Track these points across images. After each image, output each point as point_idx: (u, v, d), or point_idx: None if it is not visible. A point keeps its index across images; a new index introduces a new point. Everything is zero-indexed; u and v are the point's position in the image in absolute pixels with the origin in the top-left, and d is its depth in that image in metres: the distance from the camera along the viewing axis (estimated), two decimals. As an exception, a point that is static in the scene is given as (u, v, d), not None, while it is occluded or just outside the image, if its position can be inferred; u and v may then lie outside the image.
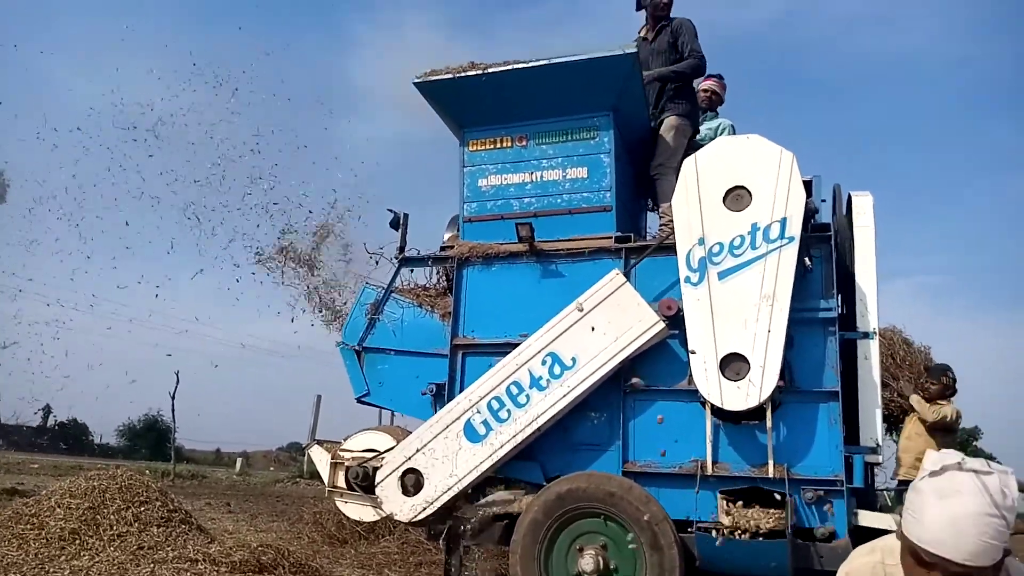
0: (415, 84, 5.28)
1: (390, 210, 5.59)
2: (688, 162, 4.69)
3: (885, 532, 4.25)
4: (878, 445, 4.51)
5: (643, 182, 5.62)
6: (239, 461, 27.39)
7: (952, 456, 1.64)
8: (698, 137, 5.71)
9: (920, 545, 1.61)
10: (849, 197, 4.91)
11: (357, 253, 5.76)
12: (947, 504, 1.57)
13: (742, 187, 4.52)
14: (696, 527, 4.20)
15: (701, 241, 4.52)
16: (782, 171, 4.45)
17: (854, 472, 4.26)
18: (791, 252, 4.35)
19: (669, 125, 5.44)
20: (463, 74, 5.15)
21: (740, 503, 4.25)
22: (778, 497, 4.22)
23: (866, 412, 4.57)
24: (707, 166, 4.62)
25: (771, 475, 4.30)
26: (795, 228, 4.36)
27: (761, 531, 4.08)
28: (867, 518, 4.27)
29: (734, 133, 5.93)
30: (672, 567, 4.10)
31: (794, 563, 4.08)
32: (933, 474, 1.63)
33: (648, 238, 5.35)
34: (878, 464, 4.65)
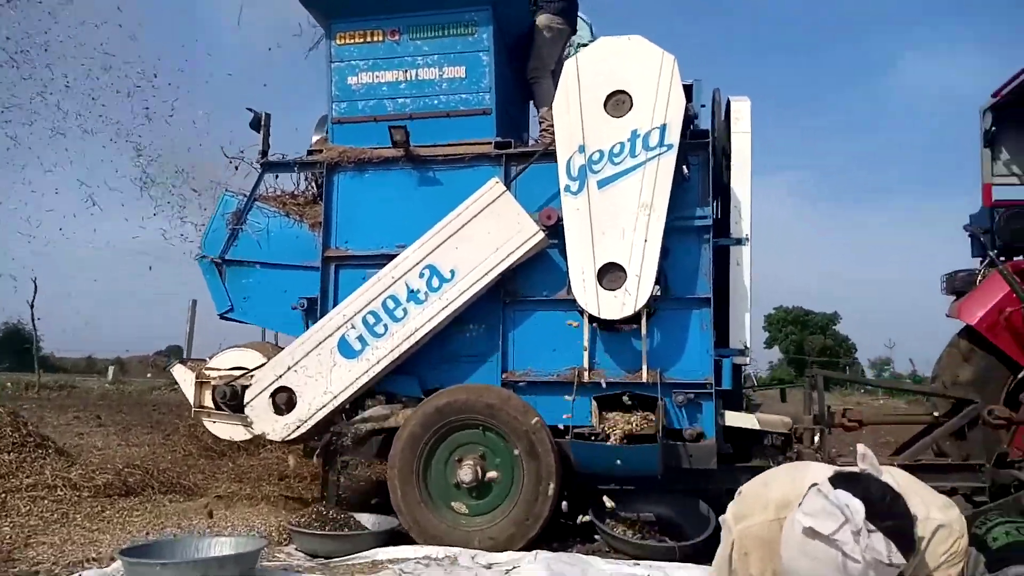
0: (273, -31, 4.75)
1: (249, 109, 5.11)
2: (569, 64, 4.49)
3: (749, 431, 4.52)
4: (746, 347, 4.69)
5: (527, 84, 5.38)
6: (111, 369, 26.08)
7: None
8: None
9: None
10: (728, 102, 4.88)
11: (215, 157, 5.28)
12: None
13: (623, 92, 4.38)
14: (572, 432, 4.25)
15: (581, 149, 4.39)
16: (663, 75, 4.33)
17: (723, 375, 4.41)
18: (669, 160, 4.29)
19: (541, 24, 5.17)
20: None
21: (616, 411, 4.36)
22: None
23: (736, 316, 4.71)
24: (588, 69, 4.44)
25: (645, 380, 4.40)
26: (674, 135, 4.30)
27: (633, 434, 4.19)
28: (733, 418, 4.47)
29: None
30: (549, 473, 4.18)
31: (664, 463, 4.24)
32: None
33: (531, 144, 5.16)
34: (746, 365, 4.86)
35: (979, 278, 5.30)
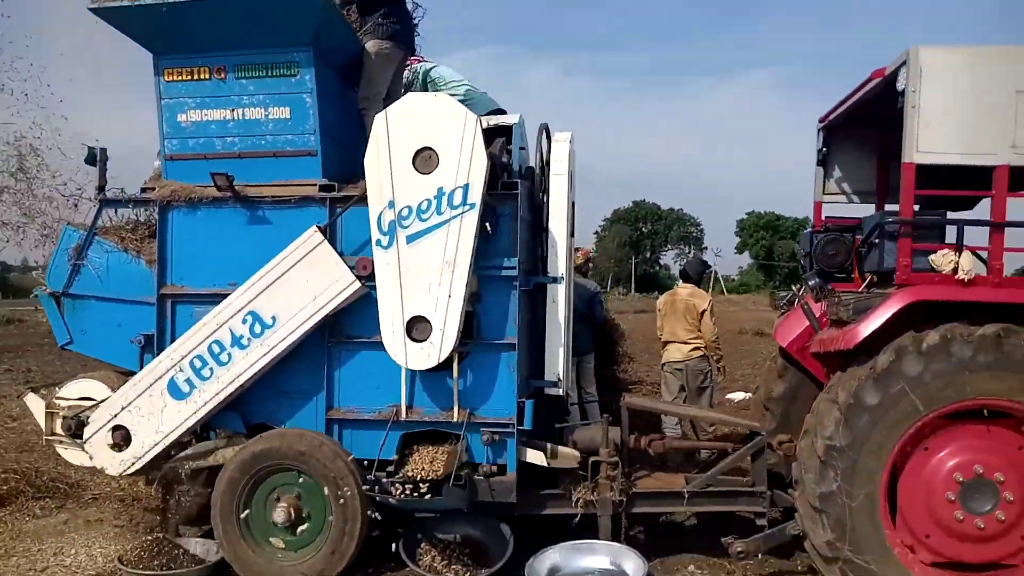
0: (91, 10, 4.72)
1: (85, 144, 5.17)
2: (379, 119, 4.58)
3: (543, 468, 4.90)
4: (559, 379, 5.04)
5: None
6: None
7: None
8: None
9: None
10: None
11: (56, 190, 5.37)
12: None
13: (430, 148, 4.51)
14: (377, 481, 4.59)
15: (391, 204, 4.55)
16: (466, 136, 4.45)
17: (524, 416, 4.74)
18: (472, 219, 4.48)
19: (369, 51, 5.17)
20: (142, 2, 4.64)
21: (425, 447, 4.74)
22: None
23: (551, 350, 5.04)
24: (398, 124, 4.54)
25: (455, 419, 4.75)
26: (476, 195, 4.46)
27: (439, 476, 4.55)
28: (529, 455, 4.84)
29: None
30: (355, 516, 4.57)
31: (470, 499, 4.64)
32: None
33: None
34: (559, 395, 5.19)
35: (796, 301, 5.60)
